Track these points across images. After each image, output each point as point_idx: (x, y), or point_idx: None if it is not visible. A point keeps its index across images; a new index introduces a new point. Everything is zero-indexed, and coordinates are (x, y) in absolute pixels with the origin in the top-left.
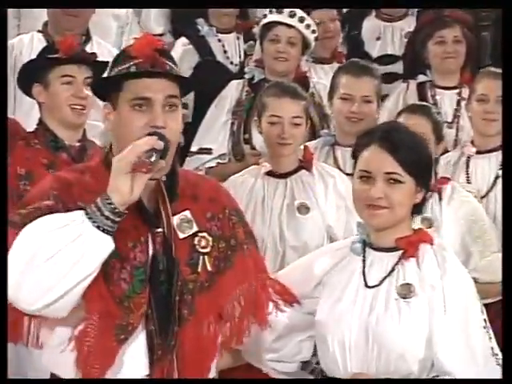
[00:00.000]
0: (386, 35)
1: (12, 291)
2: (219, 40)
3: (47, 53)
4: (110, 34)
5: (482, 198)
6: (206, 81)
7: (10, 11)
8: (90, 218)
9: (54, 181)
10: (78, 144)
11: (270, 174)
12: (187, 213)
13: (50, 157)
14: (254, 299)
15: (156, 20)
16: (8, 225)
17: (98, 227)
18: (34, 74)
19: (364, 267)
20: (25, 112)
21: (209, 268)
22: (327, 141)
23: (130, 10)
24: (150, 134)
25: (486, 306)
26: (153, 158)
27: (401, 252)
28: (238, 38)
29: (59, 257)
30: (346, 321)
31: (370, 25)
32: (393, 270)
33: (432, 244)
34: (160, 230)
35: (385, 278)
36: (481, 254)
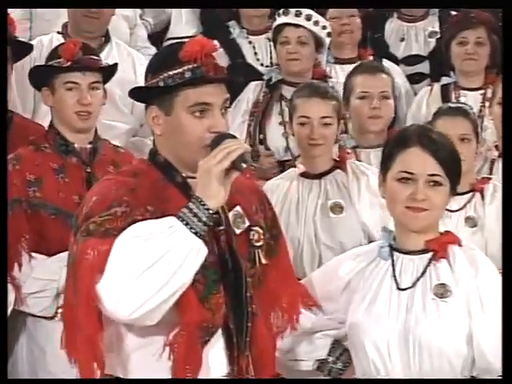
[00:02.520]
0: (409, 36)
1: (111, 301)
2: (250, 42)
3: (52, 57)
4: (119, 35)
5: None
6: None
7: (21, 13)
8: (186, 224)
9: (118, 186)
10: (89, 146)
11: (304, 175)
12: (238, 208)
13: (59, 161)
14: (289, 293)
15: (188, 22)
16: (80, 234)
17: (196, 233)
18: (40, 78)
19: (394, 270)
20: (44, 113)
21: (263, 261)
22: (348, 144)
23: (139, 12)
24: (221, 138)
25: None
26: (244, 164)
27: (431, 254)
28: (269, 40)
29: (160, 265)
30: (382, 324)
31: (393, 26)
32: (425, 271)
33: (460, 245)
34: (222, 227)
35: (418, 279)
36: None
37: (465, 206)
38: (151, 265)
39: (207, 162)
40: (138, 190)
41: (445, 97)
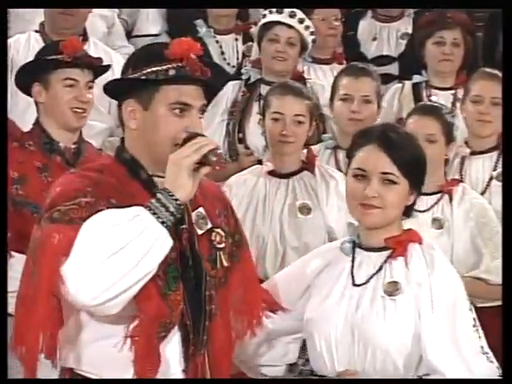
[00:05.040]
0: (382, 36)
1: (74, 286)
2: (217, 41)
3: (47, 53)
4: (97, 34)
5: None
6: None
7: None
8: (154, 214)
9: (81, 179)
10: (73, 146)
11: (272, 173)
12: (201, 209)
13: (43, 160)
14: (250, 299)
15: (153, 20)
16: (44, 221)
17: (163, 223)
18: (34, 73)
19: (353, 267)
20: (20, 111)
21: (225, 264)
22: (328, 144)
23: (116, 11)
24: (191, 137)
25: (496, 307)
26: (215, 159)
27: (389, 251)
28: (236, 40)
29: (124, 252)
30: (332, 319)
31: (367, 25)
32: (380, 268)
33: (421, 243)
34: (184, 226)
35: (372, 276)
36: (492, 256)
37: (432, 206)
38: (116, 251)
39: (177, 154)
40: (102, 184)
41: (416, 95)
